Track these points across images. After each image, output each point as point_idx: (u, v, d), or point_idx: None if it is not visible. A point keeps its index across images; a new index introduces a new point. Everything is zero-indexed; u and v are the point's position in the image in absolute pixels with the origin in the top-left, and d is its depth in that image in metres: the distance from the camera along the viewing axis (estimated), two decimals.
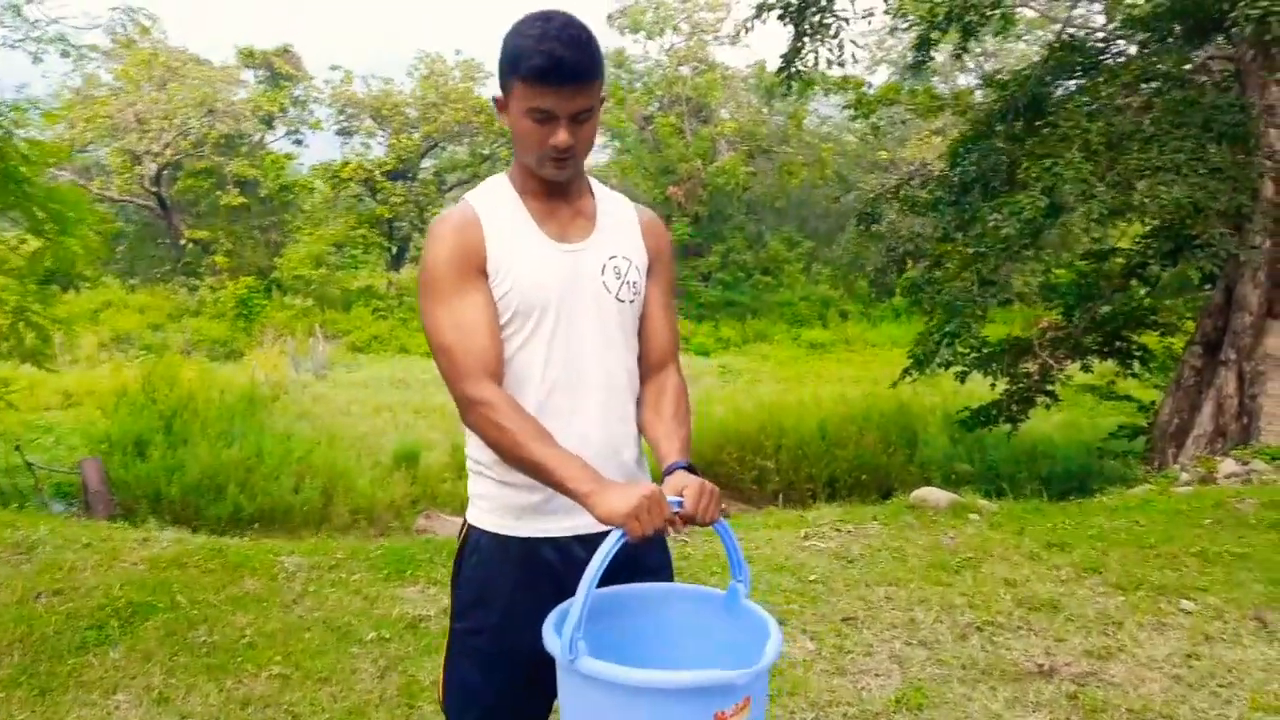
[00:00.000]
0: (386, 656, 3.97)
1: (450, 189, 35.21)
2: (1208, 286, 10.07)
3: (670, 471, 1.82)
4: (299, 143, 35.24)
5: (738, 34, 11.31)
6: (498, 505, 1.95)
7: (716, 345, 27.44)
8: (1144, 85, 9.43)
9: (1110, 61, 10.47)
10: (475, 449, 1.96)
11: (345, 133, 35.26)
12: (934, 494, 6.21)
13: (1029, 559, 5.13)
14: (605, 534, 1.64)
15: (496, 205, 1.92)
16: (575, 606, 1.57)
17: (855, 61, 11.19)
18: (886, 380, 11.69)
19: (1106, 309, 11.12)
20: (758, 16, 10.46)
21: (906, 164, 22.22)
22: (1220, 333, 9.28)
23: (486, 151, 34.16)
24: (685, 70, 33.07)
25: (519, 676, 1.89)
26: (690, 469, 1.82)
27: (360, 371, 22.64)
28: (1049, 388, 11.40)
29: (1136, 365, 11.83)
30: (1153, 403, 10.73)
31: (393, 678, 3.78)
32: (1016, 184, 9.37)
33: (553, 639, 1.59)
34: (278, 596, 4.68)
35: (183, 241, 31.88)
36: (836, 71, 11.92)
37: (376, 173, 33.01)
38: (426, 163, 35.86)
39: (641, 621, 1.88)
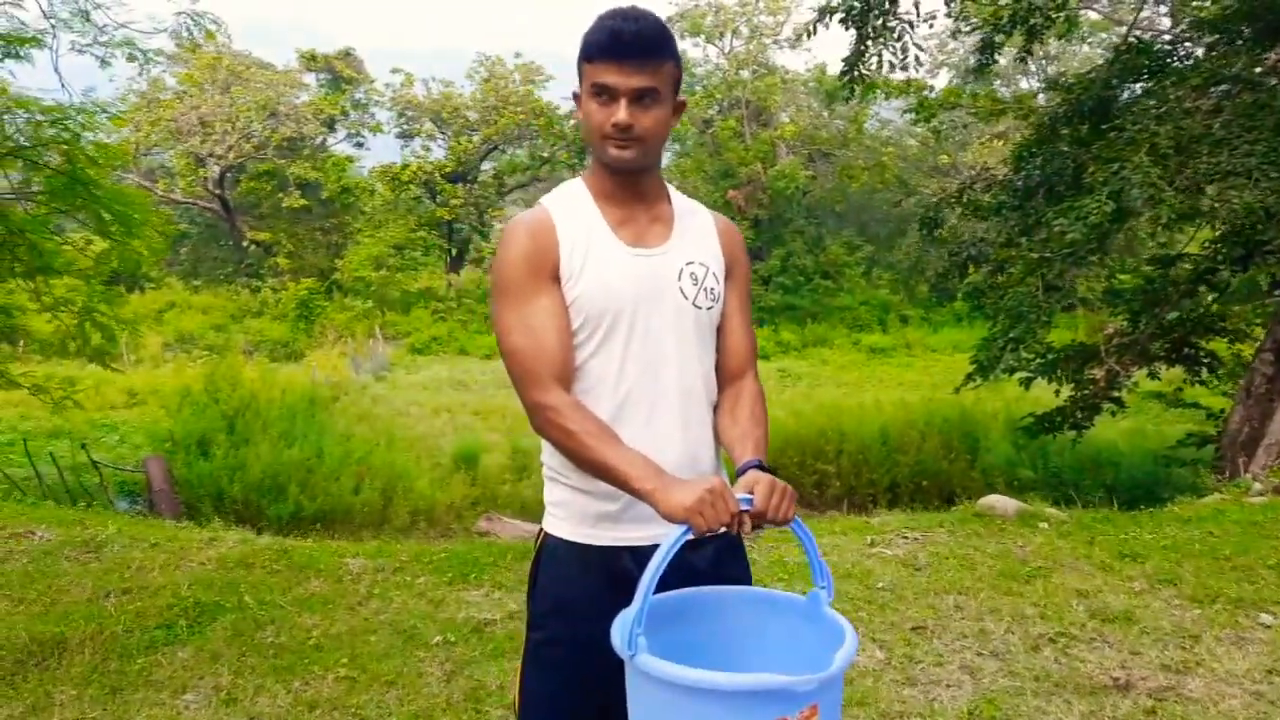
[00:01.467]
0: (453, 660, 3.97)
1: (509, 191, 35.39)
2: (1278, 292, 9.82)
3: (743, 471, 1.78)
4: (360, 145, 35.72)
5: (799, 38, 11.21)
6: (574, 512, 1.91)
7: (776, 349, 27.35)
8: (1213, 88, 9.22)
9: (1178, 64, 10.25)
10: (549, 455, 1.93)
11: (405, 135, 35.66)
12: (1001, 501, 6.10)
13: (1101, 569, 5.02)
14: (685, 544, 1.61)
15: (571, 209, 1.91)
16: (636, 601, 1.55)
17: (919, 65, 11.07)
18: (947, 385, 11.55)
19: (1174, 315, 10.88)
20: (821, 20, 10.36)
21: (968, 168, 21.96)
22: None
23: (546, 154, 34.27)
24: (745, 74, 33.04)
25: (596, 686, 1.84)
26: (762, 467, 1.78)
27: (420, 373, 22.84)
28: (1115, 394, 11.18)
29: (1204, 372, 11.57)
30: (1222, 411, 10.48)
31: (459, 681, 3.78)
32: (1082, 188, 9.20)
33: (617, 636, 1.57)
34: (344, 598, 4.71)
35: (245, 243, 32.39)
36: (899, 75, 11.81)
37: (436, 175, 33.29)
38: (486, 165, 36.05)
39: (718, 626, 1.84)
